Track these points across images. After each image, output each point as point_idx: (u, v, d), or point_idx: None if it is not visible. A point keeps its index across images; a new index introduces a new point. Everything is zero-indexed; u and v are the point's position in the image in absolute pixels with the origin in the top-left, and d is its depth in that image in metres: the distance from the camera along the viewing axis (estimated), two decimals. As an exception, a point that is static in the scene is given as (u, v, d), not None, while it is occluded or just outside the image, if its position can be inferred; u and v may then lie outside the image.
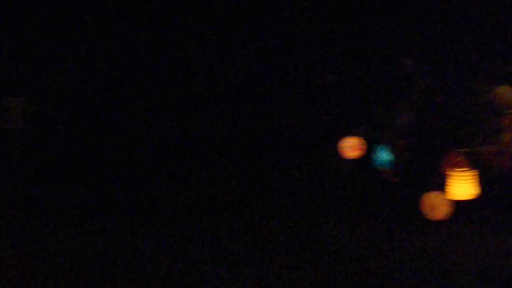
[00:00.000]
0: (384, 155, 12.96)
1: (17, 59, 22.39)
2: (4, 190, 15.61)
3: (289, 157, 16.29)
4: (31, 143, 18.05)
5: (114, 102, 21.98)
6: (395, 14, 18.12)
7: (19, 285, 6.74)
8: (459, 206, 10.24)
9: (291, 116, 18.44)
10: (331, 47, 19.43)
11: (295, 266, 7.72)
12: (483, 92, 11.95)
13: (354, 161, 13.33)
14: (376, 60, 16.31)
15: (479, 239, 9.21)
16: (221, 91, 21.68)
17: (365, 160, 13.14)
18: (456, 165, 10.53)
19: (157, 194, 13.35)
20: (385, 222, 10.20)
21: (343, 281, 7.33)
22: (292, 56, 20.81)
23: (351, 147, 13.29)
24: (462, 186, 10.26)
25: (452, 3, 16.80)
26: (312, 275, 7.44)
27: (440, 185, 10.47)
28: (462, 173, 10.25)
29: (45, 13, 22.90)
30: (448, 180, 10.35)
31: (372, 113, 14.08)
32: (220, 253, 8.24)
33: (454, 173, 10.31)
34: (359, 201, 11.67)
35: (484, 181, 10.36)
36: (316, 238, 9.13)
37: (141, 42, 22.79)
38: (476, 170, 10.33)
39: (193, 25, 22.34)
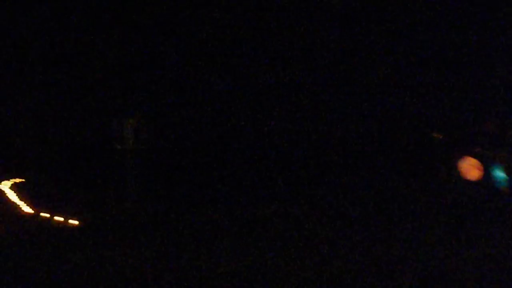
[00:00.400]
0: (500, 174, 12.78)
1: (129, 81, 23.06)
2: (121, 209, 16.09)
3: (411, 179, 16.31)
4: (144, 163, 18.51)
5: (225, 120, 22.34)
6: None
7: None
8: None
9: (406, 136, 18.44)
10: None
11: None
12: None
13: (473, 181, 13.18)
14: (489, 81, 16.14)
15: None
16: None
17: (483, 179, 12.98)
18: None
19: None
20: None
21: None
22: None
23: (470, 167, 13.15)
24: None
25: None
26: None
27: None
28: None
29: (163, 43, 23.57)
30: None
31: (487, 131, 13.91)
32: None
33: None
34: (481, 219, 11.56)
35: None
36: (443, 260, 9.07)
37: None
38: None
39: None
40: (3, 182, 34.96)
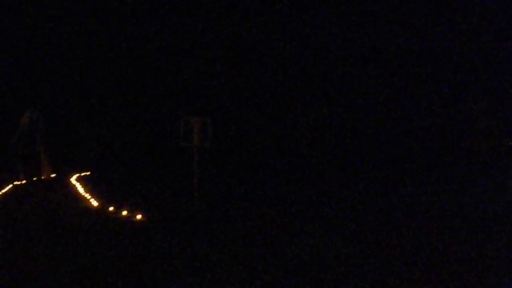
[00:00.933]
0: None
1: (196, 81, 23.37)
2: (186, 205, 16.34)
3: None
4: (209, 161, 18.76)
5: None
6: None
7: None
8: None
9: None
10: None
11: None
12: None
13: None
14: None
15: None
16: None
17: None
18: None
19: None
20: None
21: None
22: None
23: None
24: None
25: None
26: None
27: None
28: None
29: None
30: None
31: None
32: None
33: None
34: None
35: None
36: None
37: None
38: None
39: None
40: (72, 176, 35.70)
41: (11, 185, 24.37)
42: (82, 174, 39.11)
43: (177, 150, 19.96)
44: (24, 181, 19.40)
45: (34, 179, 19.61)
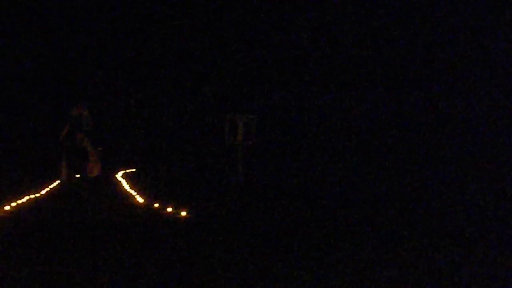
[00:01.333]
0: None
1: (241, 80, 23.44)
2: (229, 202, 16.39)
3: None
4: (254, 158, 18.79)
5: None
6: None
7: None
8: None
9: None
10: None
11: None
12: None
13: None
14: None
15: None
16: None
17: None
18: None
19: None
20: None
21: None
22: None
23: None
24: None
25: None
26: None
27: None
28: None
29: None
30: None
31: None
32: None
33: None
34: None
35: None
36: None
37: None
38: None
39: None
40: (118, 172, 35.94)
41: (58, 182, 24.62)
42: (128, 171, 39.57)
43: (222, 148, 19.98)
44: (67, 178, 19.48)
45: (78, 176, 19.62)
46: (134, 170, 38.20)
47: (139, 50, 32.17)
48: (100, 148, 19.72)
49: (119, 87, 36.62)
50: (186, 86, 27.28)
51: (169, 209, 14.02)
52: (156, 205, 15.37)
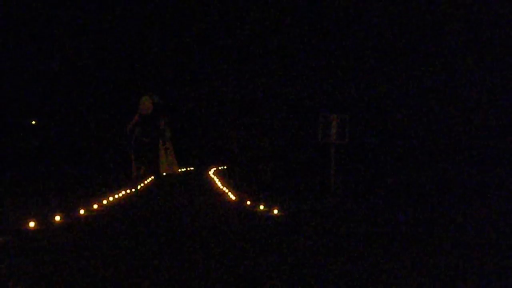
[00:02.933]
0: None
1: (334, 79, 23.37)
2: (323, 202, 16.36)
3: None
4: (347, 157, 18.71)
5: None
6: None
7: None
8: None
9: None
10: None
11: None
12: None
13: None
14: None
15: None
16: None
17: None
18: None
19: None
20: None
21: None
22: None
23: None
24: None
25: None
26: None
27: None
28: None
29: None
30: None
31: None
32: None
33: None
34: None
35: None
36: None
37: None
38: None
39: None
40: (210, 169, 36.25)
41: (152, 178, 24.99)
42: (219, 167, 39.96)
43: (314, 147, 19.97)
44: (137, 176, 19.47)
45: (151, 173, 19.50)
46: (225, 167, 38.60)
47: (228, 47, 32.49)
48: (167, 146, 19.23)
49: (210, 85, 37.09)
50: (278, 84, 27.40)
51: (261, 207, 14.09)
52: (248, 202, 15.48)
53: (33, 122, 33.71)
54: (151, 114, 17.91)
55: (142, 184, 22.01)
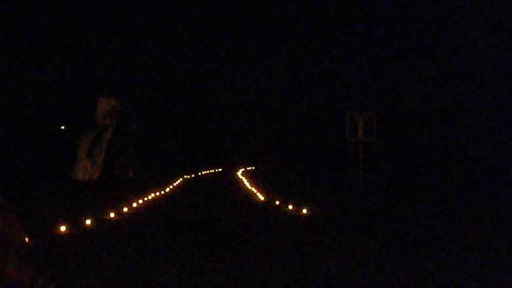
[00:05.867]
0: None
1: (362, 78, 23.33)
2: (351, 201, 16.36)
3: None
4: (375, 156, 18.66)
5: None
6: None
7: None
8: None
9: None
10: None
11: None
12: None
13: None
14: None
15: None
16: None
17: None
18: None
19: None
20: None
21: None
22: None
23: None
24: None
25: None
26: None
27: None
28: None
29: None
30: None
31: None
32: None
33: None
34: None
35: None
36: None
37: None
38: None
39: None
40: (238, 170, 36.30)
41: (181, 179, 25.10)
42: (247, 167, 40.01)
43: (342, 145, 19.93)
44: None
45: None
46: (253, 167, 38.65)
47: (254, 47, 32.59)
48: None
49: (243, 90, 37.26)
50: (306, 84, 27.44)
51: (290, 207, 14.11)
52: (277, 202, 15.50)
53: (62, 127, 33.97)
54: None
55: (171, 186, 22.12)
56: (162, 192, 19.31)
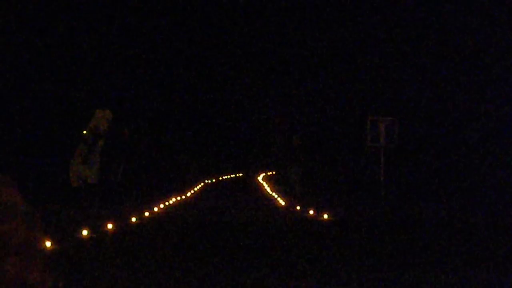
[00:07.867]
0: None
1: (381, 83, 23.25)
2: (372, 206, 16.31)
3: None
4: (396, 162, 18.57)
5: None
6: None
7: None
8: None
9: None
10: None
11: None
12: None
13: None
14: None
15: None
16: None
17: None
18: None
19: None
20: None
21: None
22: None
23: None
24: None
25: None
26: None
27: None
28: None
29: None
30: None
31: None
32: None
33: None
34: None
35: None
36: None
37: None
38: None
39: None
40: (259, 175, 36.29)
41: (202, 184, 25.14)
42: (267, 172, 40.01)
43: (363, 151, 19.88)
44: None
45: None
46: (273, 172, 38.69)
47: (275, 54, 32.63)
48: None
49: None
50: (326, 88, 27.42)
51: (311, 212, 14.09)
52: (298, 208, 15.48)
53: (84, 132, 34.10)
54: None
55: (192, 191, 22.16)
56: (183, 197, 19.35)
